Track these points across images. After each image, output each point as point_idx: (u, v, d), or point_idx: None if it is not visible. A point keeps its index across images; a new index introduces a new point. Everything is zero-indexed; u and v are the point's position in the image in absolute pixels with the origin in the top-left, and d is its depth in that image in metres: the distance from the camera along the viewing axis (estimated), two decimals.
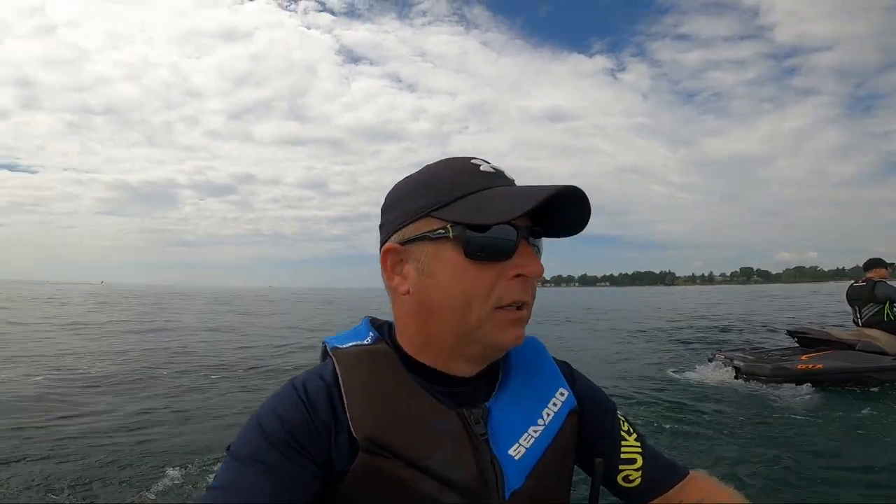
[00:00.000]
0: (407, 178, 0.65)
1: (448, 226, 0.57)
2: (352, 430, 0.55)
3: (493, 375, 0.67)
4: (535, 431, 0.63)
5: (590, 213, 0.60)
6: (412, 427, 0.57)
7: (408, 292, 0.61)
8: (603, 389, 0.77)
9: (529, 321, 0.62)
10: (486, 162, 0.63)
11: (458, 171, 0.61)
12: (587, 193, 0.56)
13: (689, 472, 0.72)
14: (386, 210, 0.66)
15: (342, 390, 0.58)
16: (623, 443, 0.71)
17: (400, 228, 0.61)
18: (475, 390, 0.64)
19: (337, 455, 0.56)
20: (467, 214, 0.57)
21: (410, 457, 0.56)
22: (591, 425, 0.70)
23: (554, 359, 0.74)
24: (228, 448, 0.57)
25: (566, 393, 0.68)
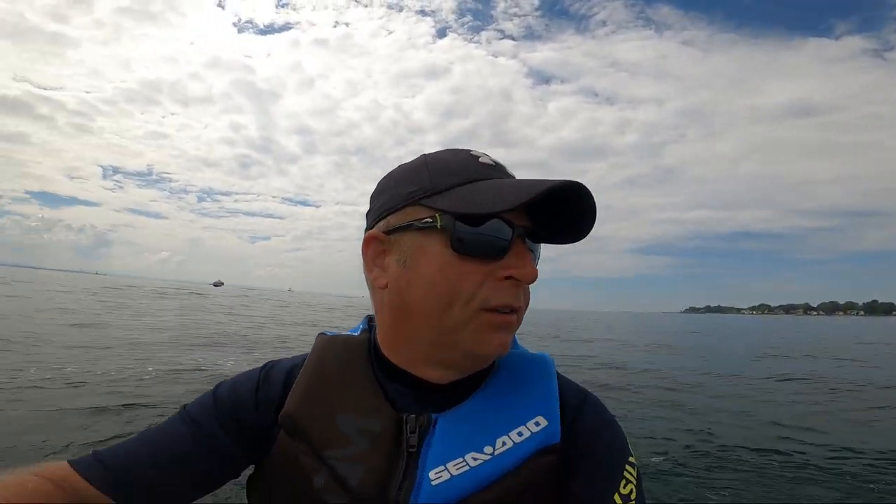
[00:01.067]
0: (401, 164, 0.62)
1: (437, 215, 0.53)
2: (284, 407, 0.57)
3: (476, 387, 0.60)
4: (476, 460, 0.53)
5: (595, 215, 0.55)
6: (332, 417, 0.56)
7: (386, 286, 0.57)
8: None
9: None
10: (486, 155, 0.59)
11: (454, 158, 0.57)
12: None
13: None
14: (374, 196, 0.62)
15: (299, 372, 0.60)
16: None
17: (386, 216, 0.57)
18: (445, 399, 0.58)
19: (269, 432, 0.58)
20: (458, 204, 0.53)
21: (316, 445, 0.55)
22: (582, 474, 0.55)
23: (566, 383, 0.62)
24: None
25: (545, 423, 0.55)
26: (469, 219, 0.52)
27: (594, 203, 0.54)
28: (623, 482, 0.54)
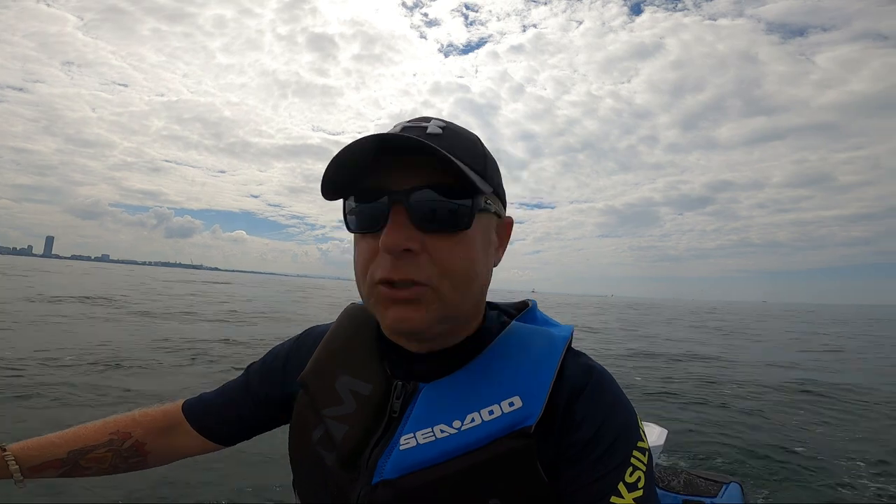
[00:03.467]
0: None
1: (344, 200, 0.56)
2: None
3: (466, 358, 0.59)
4: (443, 432, 0.53)
5: (440, 154, 0.48)
6: (333, 379, 0.63)
7: None
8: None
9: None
10: (413, 120, 0.56)
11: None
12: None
13: None
14: None
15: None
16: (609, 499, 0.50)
17: None
18: (439, 369, 0.58)
19: (297, 392, 0.66)
20: None
21: (317, 403, 0.62)
22: (581, 460, 0.52)
23: (573, 362, 0.57)
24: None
25: (520, 405, 0.52)
26: (355, 195, 0.54)
27: (434, 149, 0.48)
28: (629, 469, 0.51)
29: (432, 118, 0.56)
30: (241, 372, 0.78)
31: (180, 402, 0.78)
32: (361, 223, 0.54)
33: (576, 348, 0.62)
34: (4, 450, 0.66)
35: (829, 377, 8.39)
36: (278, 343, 0.77)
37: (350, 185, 0.53)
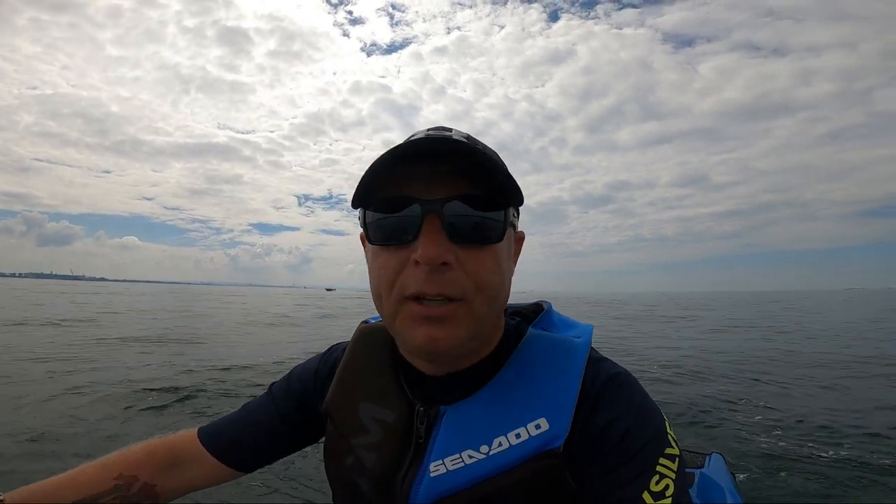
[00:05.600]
0: None
1: (364, 210, 0.54)
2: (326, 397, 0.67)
3: (487, 376, 0.58)
4: (471, 458, 0.53)
5: (486, 160, 0.48)
6: (356, 407, 0.63)
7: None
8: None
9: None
10: (435, 128, 0.54)
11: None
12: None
13: None
14: None
15: (342, 359, 0.69)
16: None
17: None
18: (457, 389, 0.57)
19: (324, 414, 0.67)
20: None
21: (344, 433, 0.63)
22: (603, 471, 0.50)
23: (594, 368, 0.55)
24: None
25: (546, 427, 0.52)
26: (379, 205, 0.51)
27: (474, 147, 0.48)
28: (656, 478, 0.48)
29: (451, 128, 0.55)
30: (262, 392, 0.76)
31: (191, 431, 0.73)
32: (388, 234, 0.51)
33: (595, 348, 0.60)
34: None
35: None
36: (301, 362, 0.76)
37: (369, 194, 0.51)
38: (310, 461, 3.27)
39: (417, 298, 0.49)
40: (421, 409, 0.58)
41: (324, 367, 0.72)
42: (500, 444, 0.52)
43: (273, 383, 0.75)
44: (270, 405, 0.72)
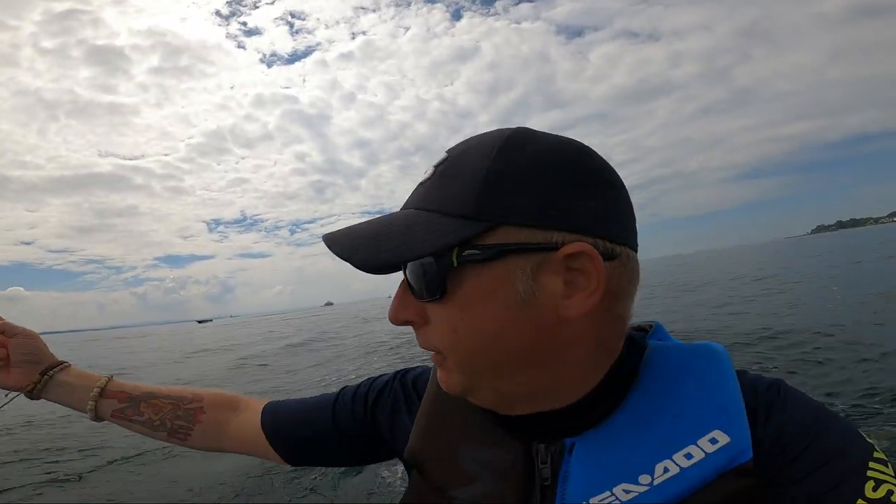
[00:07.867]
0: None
1: None
2: (409, 439, 0.58)
3: (616, 405, 0.48)
4: (628, 493, 0.43)
5: (362, 254, 0.44)
6: (455, 452, 0.53)
7: None
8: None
9: None
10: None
11: None
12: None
13: None
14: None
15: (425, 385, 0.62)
16: None
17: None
18: (578, 420, 0.47)
19: (395, 445, 0.63)
20: None
21: (441, 486, 0.53)
22: (803, 489, 0.41)
23: (745, 379, 0.47)
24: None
25: (727, 440, 0.42)
26: None
27: (355, 245, 0.45)
28: (870, 484, 0.39)
29: (455, 146, 0.47)
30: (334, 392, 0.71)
31: (263, 400, 0.75)
32: None
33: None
34: (110, 379, 0.73)
35: None
36: (375, 377, 0.69)
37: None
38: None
39: None
40: (541, 446, 0.48)
41: (392, 390, 0.65)
42: (665, 470, 0.43)
43: (345, 386, 0.70)
44: (331, 403, 0.68)
